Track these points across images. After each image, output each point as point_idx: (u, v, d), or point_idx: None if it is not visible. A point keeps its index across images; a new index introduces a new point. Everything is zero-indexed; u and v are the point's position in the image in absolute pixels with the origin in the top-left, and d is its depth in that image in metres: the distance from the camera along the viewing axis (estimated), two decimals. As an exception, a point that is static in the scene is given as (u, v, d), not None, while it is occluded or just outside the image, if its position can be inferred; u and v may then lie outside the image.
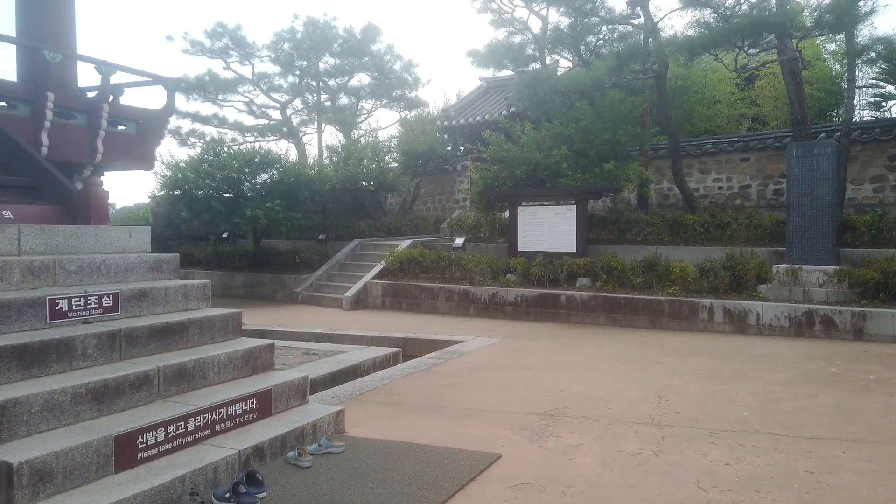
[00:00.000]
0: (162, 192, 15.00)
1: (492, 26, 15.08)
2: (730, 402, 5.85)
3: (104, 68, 7.00)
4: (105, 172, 7.84)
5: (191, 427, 4.04)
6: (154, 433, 3.79)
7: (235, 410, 4.44)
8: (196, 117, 20.11)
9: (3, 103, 6.02)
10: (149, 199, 18.41)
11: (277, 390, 4.85)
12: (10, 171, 5.65)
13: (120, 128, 7.44)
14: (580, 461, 4.40)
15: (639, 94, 13.47)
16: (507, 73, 17.20)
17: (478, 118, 18.29)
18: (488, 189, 13.35)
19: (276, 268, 15.89)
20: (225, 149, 15.19)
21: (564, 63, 16.27)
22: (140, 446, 3.71)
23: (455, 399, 6.12)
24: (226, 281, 16.31)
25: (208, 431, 4.16)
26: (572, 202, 12.17)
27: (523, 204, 12.73)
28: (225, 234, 18.36)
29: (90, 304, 4.43)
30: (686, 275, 10.50)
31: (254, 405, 4.60)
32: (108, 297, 4.55)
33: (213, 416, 4.21)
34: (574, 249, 12.08)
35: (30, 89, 6.21)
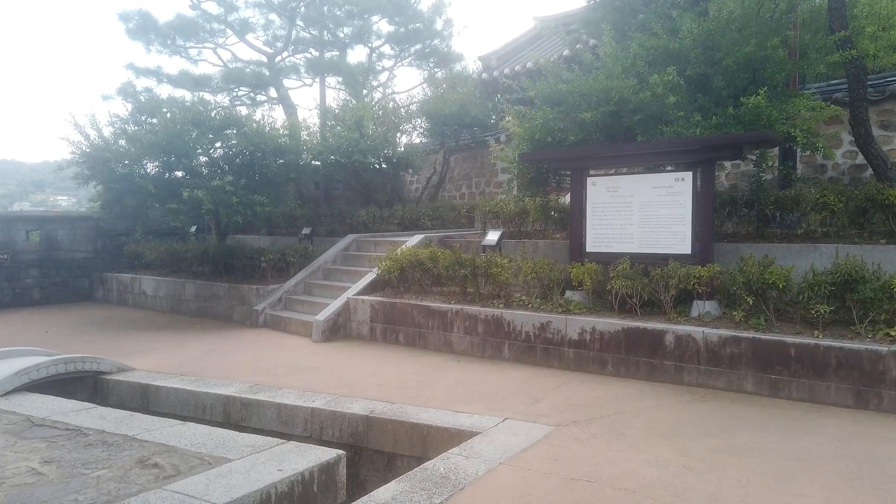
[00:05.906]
0: (80, 169, 10.71)
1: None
2: None
3: None
4: None
5: None
6: None
7: None
8: (158, 74, 15.77)
9: None
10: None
11: None
12: None
13: None
14: None
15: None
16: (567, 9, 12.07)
17: (528, 65, 13.14)
18: (537, 150, 8.25)
19: (238, 274, 11.32)
20: (166, 109, 10.72)
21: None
22: None
23: None
24: (175, 291, 11.90)
25: None
26: (685, 166, 6.95)
27: (595, 172, 7.61)
28: (193, 228, 14.05)
29: None
30: (930, 302, 5.23)
31: None
32: None
33: None
34: (688, 250, 6.86)
35: None
